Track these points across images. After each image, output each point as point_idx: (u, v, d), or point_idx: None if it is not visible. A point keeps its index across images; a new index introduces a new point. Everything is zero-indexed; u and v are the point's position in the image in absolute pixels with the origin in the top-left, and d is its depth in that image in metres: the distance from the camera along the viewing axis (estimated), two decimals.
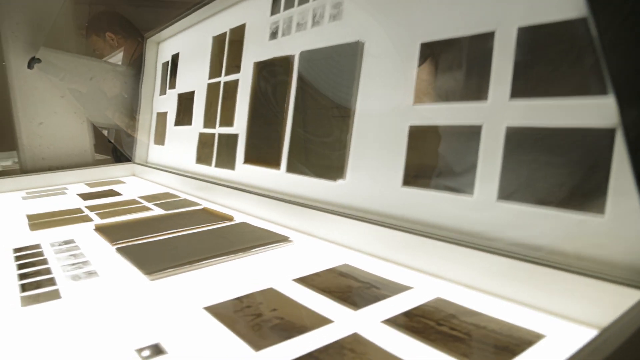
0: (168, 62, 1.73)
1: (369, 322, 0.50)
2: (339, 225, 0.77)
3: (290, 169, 0.96)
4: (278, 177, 1.00)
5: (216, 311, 0.54)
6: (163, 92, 1.77)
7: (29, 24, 1.84)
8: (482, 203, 0.60)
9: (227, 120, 1.24)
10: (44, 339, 0.50)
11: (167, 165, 1.67)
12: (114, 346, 0.48)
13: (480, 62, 0.61)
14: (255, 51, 1.15)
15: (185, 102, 1.55)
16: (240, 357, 0.44)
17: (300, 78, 0.95)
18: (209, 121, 1.37)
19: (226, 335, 0.49)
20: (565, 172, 0.54)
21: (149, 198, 1.34)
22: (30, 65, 1.79)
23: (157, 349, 0.46)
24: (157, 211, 1.13)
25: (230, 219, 0.99)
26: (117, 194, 1.45)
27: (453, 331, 0.47)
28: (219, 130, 1.29)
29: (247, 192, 1.04)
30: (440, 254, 0.61)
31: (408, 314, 0.51)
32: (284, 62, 1.00)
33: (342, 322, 0.50)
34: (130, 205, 1.23)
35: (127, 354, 0.46)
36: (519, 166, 0.58)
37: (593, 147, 0.51)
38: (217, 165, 1.29)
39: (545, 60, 0.56)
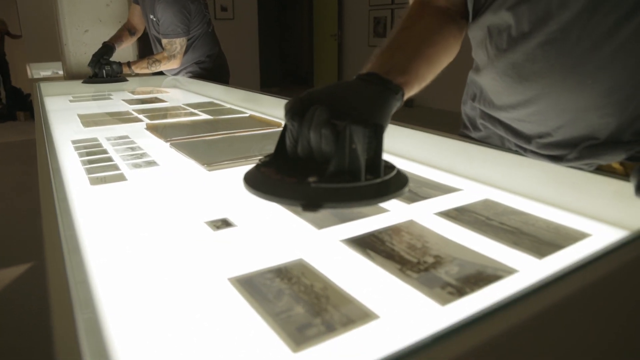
0: None
1: (422, 213, 0.52)
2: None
3: None
4: None
5: None
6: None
7: None
8: None
9: None
10: (115, 214, 0.55)
11: None
12: (185, 219, 0.52)
13: None
14: None
15: None
16: (305, 234, 0.48)
17: None
18: None
19: (289, 216, 0.52)
20: None
21: (194, 105, 1.36)
22: None
23: (226, 222, 0.50)
24: (204, 117, 1.16)
25: (279, 125, 1.01)
26: (162, 101, 1.48)
27: (503, 225, 0.49)
28: None
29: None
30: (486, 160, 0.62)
31: (459, 209, 0.53)
32: None
33: (398, 212, 0.53)
34: (177, 111, 1.26)
35: (198, 226, 0.50)
36: None
37: None
38: None
39: None
